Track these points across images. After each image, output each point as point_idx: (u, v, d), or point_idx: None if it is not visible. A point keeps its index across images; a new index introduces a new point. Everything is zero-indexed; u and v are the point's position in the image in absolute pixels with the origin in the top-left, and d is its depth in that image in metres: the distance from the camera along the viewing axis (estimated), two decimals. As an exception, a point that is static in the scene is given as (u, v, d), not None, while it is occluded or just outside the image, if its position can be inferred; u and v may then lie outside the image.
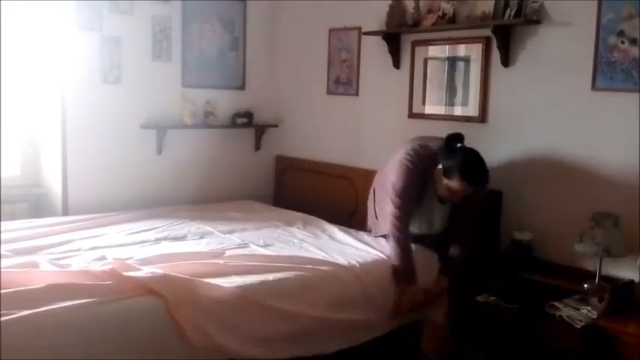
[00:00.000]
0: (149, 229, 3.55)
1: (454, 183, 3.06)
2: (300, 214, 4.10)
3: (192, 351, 2.44)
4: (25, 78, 4.08)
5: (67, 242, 3.19)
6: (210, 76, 4.53)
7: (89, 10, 3.92)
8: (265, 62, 4.82)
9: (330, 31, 4.44)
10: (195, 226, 3.67)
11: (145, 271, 2.58)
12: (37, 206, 4.06)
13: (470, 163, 3.07)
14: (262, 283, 2.71)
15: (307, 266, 2.94)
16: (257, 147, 4.86)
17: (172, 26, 4.30)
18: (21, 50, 4.02)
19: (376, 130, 4.14)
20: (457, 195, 3.12)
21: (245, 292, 2.61)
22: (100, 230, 3.49)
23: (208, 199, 4.47)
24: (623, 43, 2.95)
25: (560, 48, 3.20)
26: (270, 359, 2.62)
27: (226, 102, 4.60)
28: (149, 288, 2.47)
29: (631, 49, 2.93)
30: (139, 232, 3.49)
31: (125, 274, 2.54)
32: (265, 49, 4.81)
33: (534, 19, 3.24)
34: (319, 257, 3.13)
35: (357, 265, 3.05)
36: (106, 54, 4.03)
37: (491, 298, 3.07)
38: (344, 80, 4.40)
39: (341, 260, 3.08)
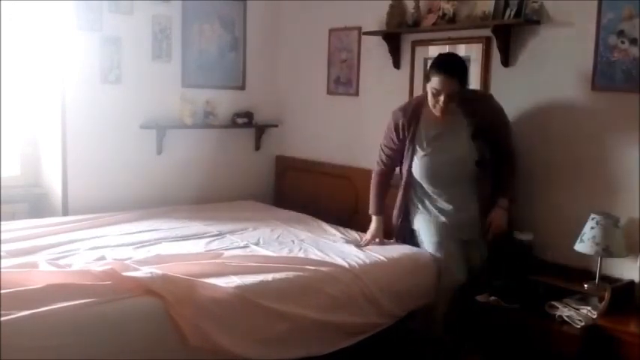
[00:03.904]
0: (149, 230, 3.55)
1: (430, 82, 3.10)
2: (299, 215, 4.10)
3: (191, 351, 2.44)
4: (25, 78, 4.08)
5: (67, 242, 3.19)
6: (210, 76, 4.53)
7: (89, 10, 3.92)
8: (265, 62, 4.82)
9: (330, 31, 4.44)
10: (194, 226, 3.66)
11: (144, 272, 2.58)
12: (37, 206, 4.07)
13: (439, 56, 3.24)
14: (261, 283, 2.71)
15: (307, 267, 2.94)
16: (257, 147, 4.85)
17: (172, 26, 4.29)
18: (21, 50, 4.02)
19: (376, 130, 4.11)
20: (438, 95, 3.07)
21: (244, 292, 2.61)
22: (100, 230, 3.49)
23: (208, 199, 4.47)
24: (623, 43, 2.95)
25: (560, 48, 3.20)
26: (269, 360, 2.63)
27: (226, 102, 4.60)
28: (148, 288, 2.47)
29: (631, 49, 2.92)
30: (139, 232, 3.49)
31: (124, 274, 2.54)
32: (265, 49, 4.81)
33: (534, 19, 3.23)
34: (319, 258, 3.12)
35: (357, 266, 3.04)
36: (106, 54, 4.03)
37: (492, 298, 3.06)
38: (344, 80, 4.39)
39: (340, 261, 3.07)
